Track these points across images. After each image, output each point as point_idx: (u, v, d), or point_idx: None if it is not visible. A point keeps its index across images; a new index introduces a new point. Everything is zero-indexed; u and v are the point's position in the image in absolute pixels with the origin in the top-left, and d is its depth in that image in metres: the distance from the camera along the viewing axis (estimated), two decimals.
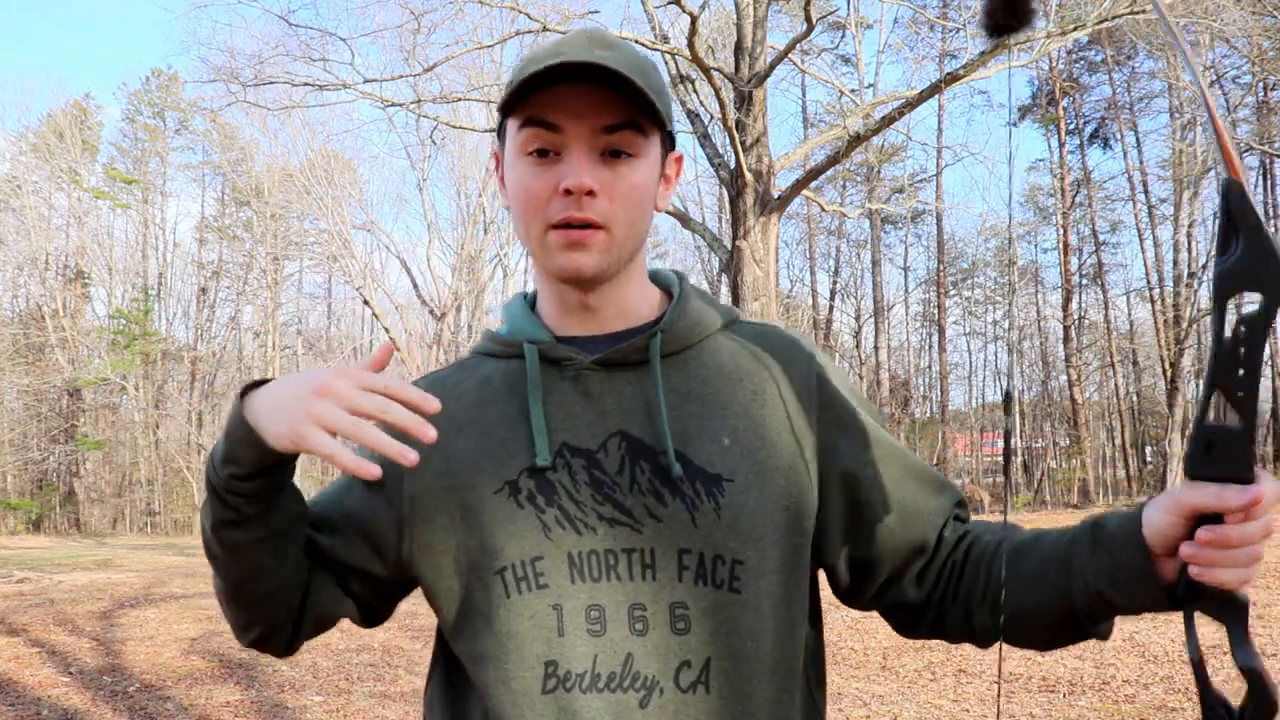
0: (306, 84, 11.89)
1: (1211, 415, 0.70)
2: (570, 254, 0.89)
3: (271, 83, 12.11)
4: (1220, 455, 0.70)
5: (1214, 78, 23.36)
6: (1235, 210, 0.66)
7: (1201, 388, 0.70)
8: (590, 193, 0.87)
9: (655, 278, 1.03)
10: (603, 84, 0.85)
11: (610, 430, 0.91)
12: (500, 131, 0.95)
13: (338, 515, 0.98)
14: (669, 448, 0.89)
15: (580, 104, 0.86)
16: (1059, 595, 0.87)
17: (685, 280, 1.02)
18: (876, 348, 28.88)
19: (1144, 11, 9.42)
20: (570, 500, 0.89)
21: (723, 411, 0.93)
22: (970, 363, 32.36)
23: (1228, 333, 0.68)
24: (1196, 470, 0.72)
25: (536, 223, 0.90)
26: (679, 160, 0.99)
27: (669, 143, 0.96)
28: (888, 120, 9.80)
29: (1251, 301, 0.67)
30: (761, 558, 0.89)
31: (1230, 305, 0.68)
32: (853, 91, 14.46)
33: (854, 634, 6.93)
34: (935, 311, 29.67)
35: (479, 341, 1.04)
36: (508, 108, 0.89)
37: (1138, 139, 27.17)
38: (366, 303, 21.85)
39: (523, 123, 0.88)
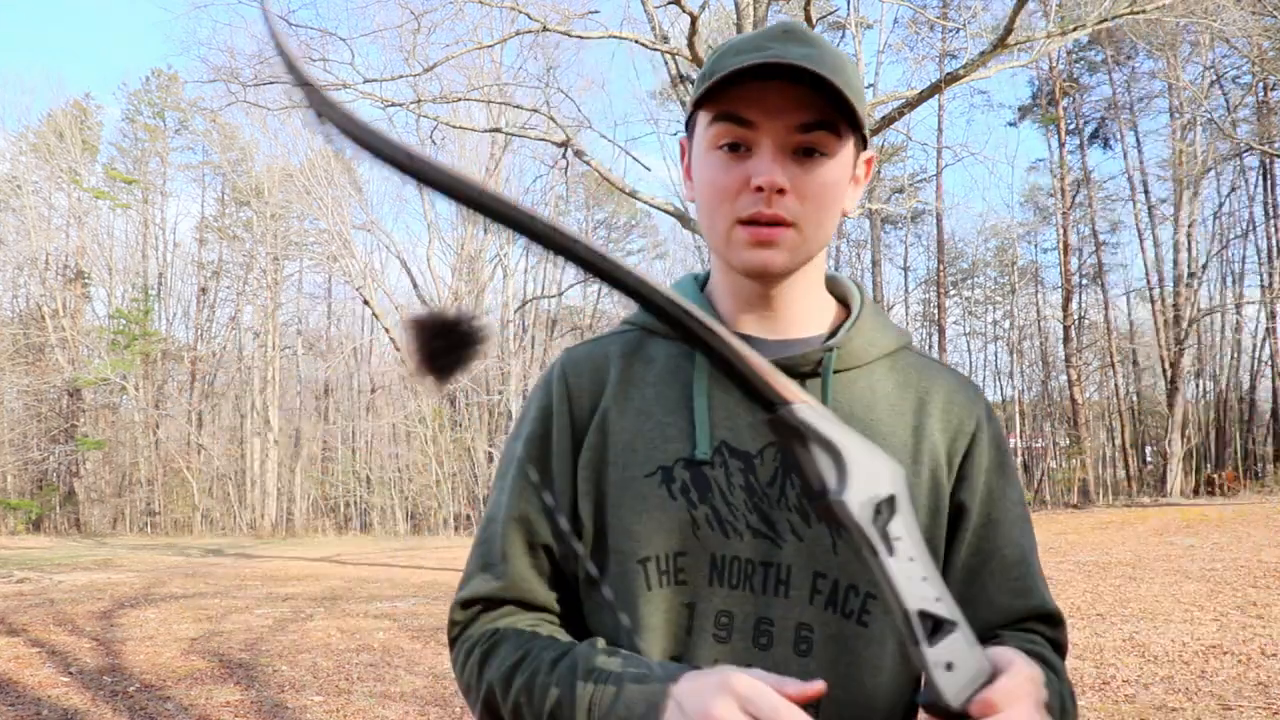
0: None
1: (926, 644, 0.61)
2: (758, 251, 0.88)
3: (271, 83, 12.10)
4: (958, 674, 0.62)
5: (1214, 78, 23.38)
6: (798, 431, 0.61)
7: (899, 623, 0.62)
8: (781, 190, 0.85)
9: (833, 286, 1.01)
10: (800, 82, 0.83)
11: (769, 438, 0.89)
12: (689, 124, 0.94)
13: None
14: None
15: (776, 101, 0.84)
16: None
17: (865, 294, 1.00)
18: None
19: (1144, 11, 9.41)
20: (723, 501, 0.88)
21: (883, 441, 0.90)
22: (970, 363, 32.35)
23: (886, 553, 0.61)
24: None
25: (723, 217, 0.88)
26: (869, 162, 0.96)
27: (862, 144, 0.93)
28: (888, 120, 9.79)
29: (875, 500, 0.61)
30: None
31: (868, 525, 0.61)
32: None
33: None
34: (935, 311, 29.68)
35: (638, 313, 0.99)
36: (701, 101, 0.88)
37: (1138, 139, 27.21)
38: (366, 303, 21.86)
39: (715, 116, 0.87)
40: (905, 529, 0.62)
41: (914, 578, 0.61)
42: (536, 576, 0.93)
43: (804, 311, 0.95)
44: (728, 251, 0.90)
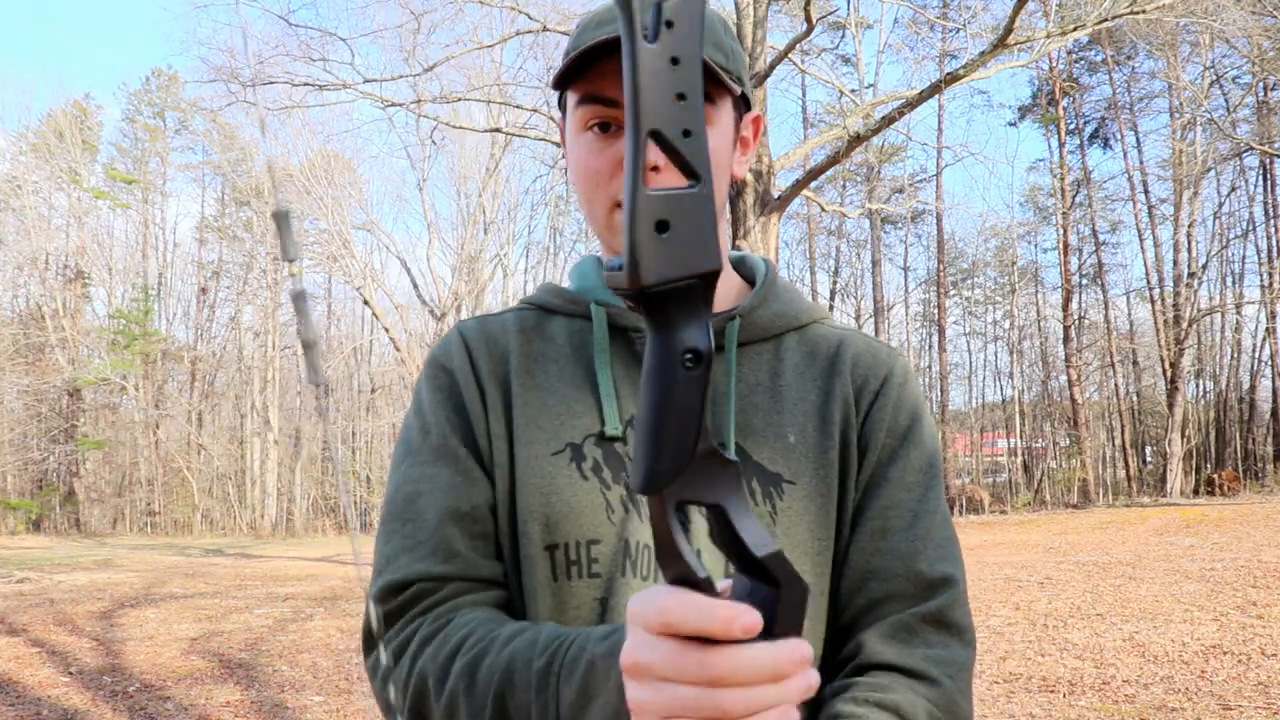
0: (306, 84, 11.89)
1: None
2: None
3: (271, 83, 12.11)
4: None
5: (1214, 78, 23.39)
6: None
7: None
8: (655, 168, 0.79)
9: (740, 265, 0.96)
10: None
11: None
12: (561, 103, 0.89)
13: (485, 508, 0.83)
14: (729, 441, 0.81)
15: None
16: None
17: (773, 269, 0.95)
18: None
19: (1144, 11, 9.41)
20: None
21: (792, 407, 0.85)
22: (970, 363, 32.39)
23: None
24: None
25: (600, 201, 0.83)
26: (756, 121, 0.91)
27: (744, 104, 0.88)
28: (888, 120, 9.79)
29: None
30: (817, 574, 0.81)
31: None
32: (853, 91, 14.45)
33: None
34: (935, 311, 29.68)
35: (537, 293, 0.94)
36: (563, 81, 0.83)
37: (1138, 139, 27.21)
38: (366, 303, 21.84)
39: (581, 98, 0.82)
40: None
41: None
42: (477, 547, 0.81)
43: None
44: (610, 237, 0.84)
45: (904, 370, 0.90)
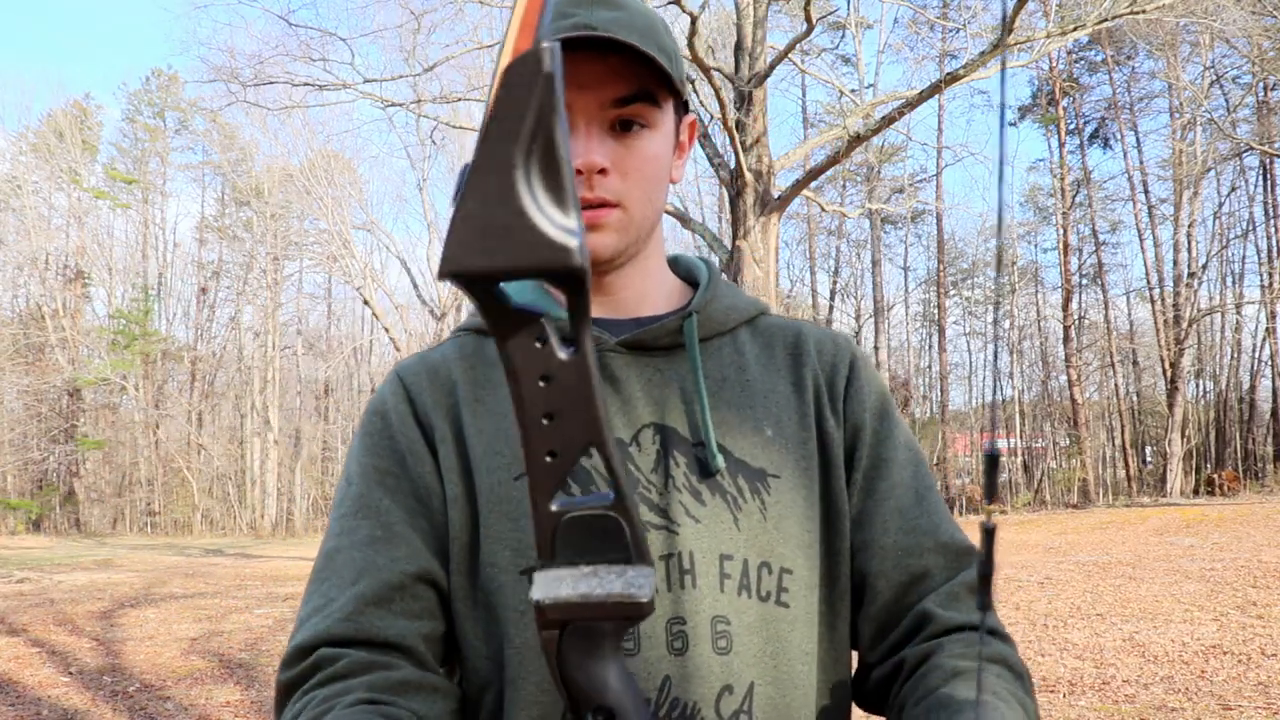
0: (306, 84, 11.89)
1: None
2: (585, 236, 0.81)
3: (271, 83, 12.11)
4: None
5: (1214, 78, 23.39)
6: None
7: None
8: (602, 170, 0.78)
9: (675, 264, 0.95)
10: (612, 52, 0.77)
11: (642, 421, 0.81)
12: None
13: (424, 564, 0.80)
14: (710, 439, 0.80)
15: (587, 75, 0.77)
16: None
17: (714, 267, 0.94)
18: (876, 348, 28.90)
19: (1144, 11, 9.41)
20: None
21: (764, 400, 0.84)
22: (970, 363, 32.37)
23: None
24: None
25: None
26: (693, 125, 0.90)
27: (682, 108, 0.88)
28: (888, 120, 9.79)
29: None
30: (810, 567, 0.81)
31: None
32: (853, 91, 14.46)
33: None
34: (935, 311, 29.68)
35: (471, 318, 0.91)
36: None
37: (1138, 139, 27.21)
38: (366, 303, 21.85)
39: None
40: None
41: None
42: (390, 605, 0.79)
43: (648, 292, 0.88)
44: None
45: (861, 353, 0.92)
